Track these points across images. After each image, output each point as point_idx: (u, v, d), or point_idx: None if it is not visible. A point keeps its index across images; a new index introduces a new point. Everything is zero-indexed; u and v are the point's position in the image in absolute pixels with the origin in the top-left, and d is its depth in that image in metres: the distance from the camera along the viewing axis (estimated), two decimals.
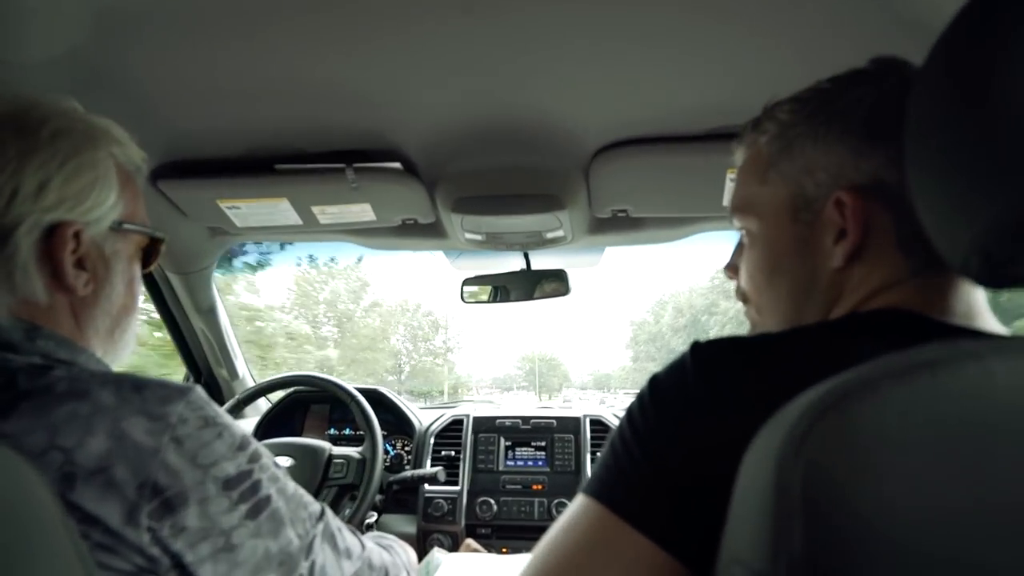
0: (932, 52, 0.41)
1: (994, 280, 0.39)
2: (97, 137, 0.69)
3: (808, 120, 0.60)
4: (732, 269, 0.73)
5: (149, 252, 0.78)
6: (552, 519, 1.66)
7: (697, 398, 0.49)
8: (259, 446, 0.68)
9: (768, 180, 0.64)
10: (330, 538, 0.73)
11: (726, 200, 1.27)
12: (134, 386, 0.61)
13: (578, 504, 0.54)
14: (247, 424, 1.89)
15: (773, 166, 0.63)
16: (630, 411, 0.53)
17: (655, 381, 0.53)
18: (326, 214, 1.38)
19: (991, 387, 0.33)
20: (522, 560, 1.16)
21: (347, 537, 0.77)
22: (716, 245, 1.67)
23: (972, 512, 0.31)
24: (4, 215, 0.62)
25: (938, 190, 0.40)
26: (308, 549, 0.68)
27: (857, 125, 0.57)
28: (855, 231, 0.57)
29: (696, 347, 0.52)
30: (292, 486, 0.70)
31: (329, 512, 0.75)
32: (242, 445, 0.65)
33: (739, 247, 0.71)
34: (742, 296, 0.70)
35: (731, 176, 1.20)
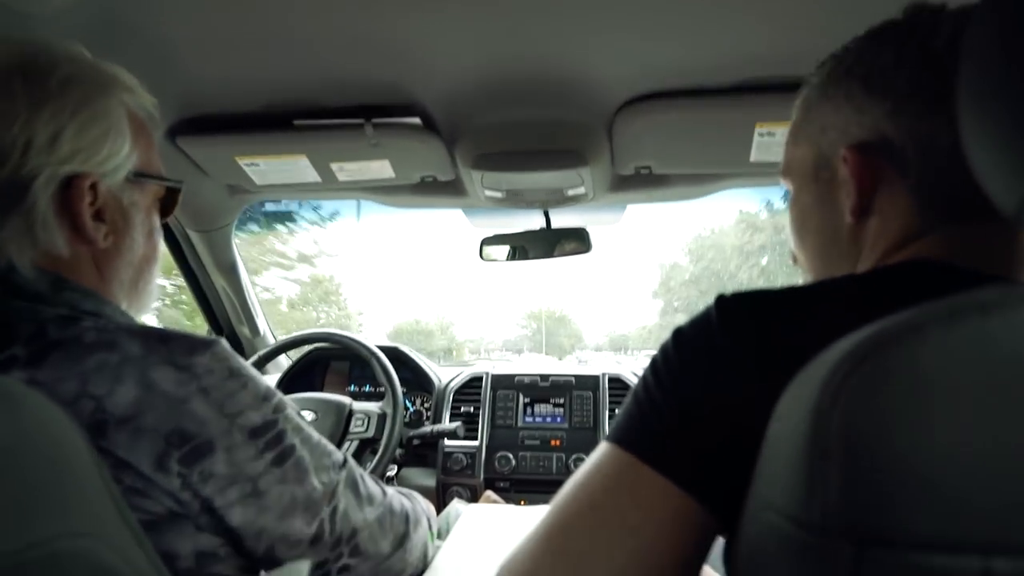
0: None
1: None
2: (107, 85, 0.68)
3: (824, 81, 0.61)
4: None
5: (167, 202, 0.78)
6: (570, 473, 1.69)
7: (723, 350, 0.49)
8: (283, 397, 0.69)
9: (798, 142, 0.66)
10: (352, 485, 0.74)
11: (753, 156, 1.24)
12: (160, 338, 0.61)
13: (601, 451, 0.54)
14: (269, 380, 1.92)
15: (801, 128, 0.65)
16: (654, 362, 0.53)
17: (679, 333, 0.53)
18: (345, 171, 1.37)
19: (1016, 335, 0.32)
20: (539, 510, 1.18)
21: (369, 484, 0.78)
22: (743, 201, 1.65)
23: (1017, 456, 0.31)
24: (20, 167, 0.62)
25: (992, 127, 0.39)
26: (332, 495, 0.70)
27: (858, 81, 0.57)
28: (855, 186, 0.58)
29: (721, 299, 0.52)
30: (315, 436, 0.72)
31: (351, 460, 0.77)
32: (267, 396, 0.66)
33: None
34: (793, 256, 0.71)
35: (760, 130, 1.17)
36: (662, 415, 0.50)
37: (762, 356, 0.47)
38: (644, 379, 0.53)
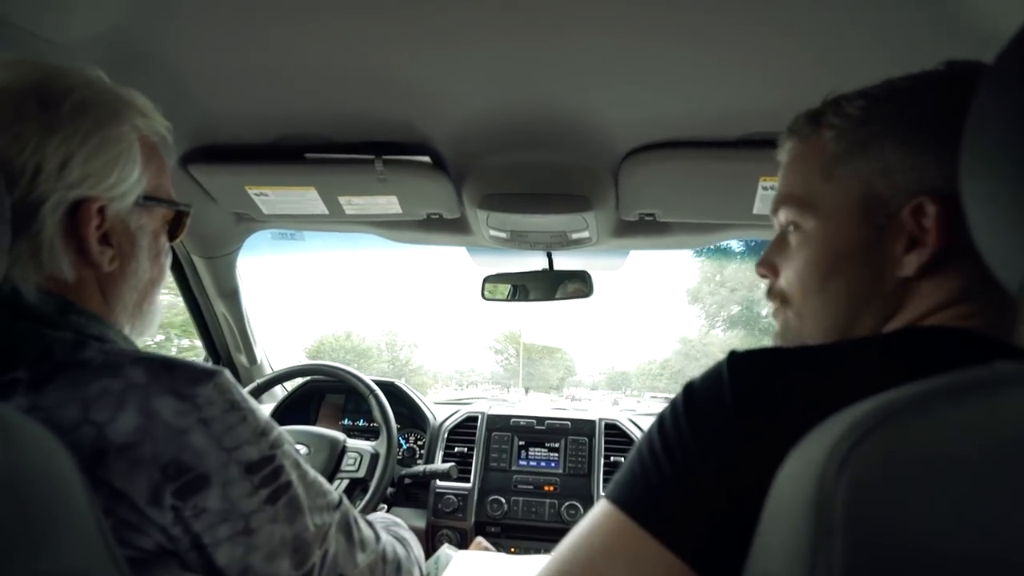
0: (1002, 55, 0.39)
1: None
2: (121, 110, 0.68)
3: (891, 119, 0.57)
4: (769, 267, 0.68)
5: (175, 225, 0.78)
6: (562, 521, 1.67)
7: (731, 412, 0.48)
8: (282, 432, 0.68)
9: (835, 177, 0.60)
10: (345, 528, 0.73)
11: (757, 208, 1.25)
12: (164, 365, 0.61)
13: (601, 510, 0.52)
14: (264, 409, 1.90)
15: (843, 163, 0.59)
16: (662, 419, 0.52)
17: (690, 390, 0.51)
18: (352, 205, 1.38)
19: None
20: (531, 560, 1.16)
21: (363, 529, 0.76)
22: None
23: None
24: (29, 192, 0.62)
25: (997, 200, 0.39)
26: (323, 538, 0.68)
27: (945, 131, 0.52)
28: (935, 240, 0.53)
29: (733, 356, 0.50)
30: (312, 473, 0.70)
31: (347, 502, 0.75)
32: (265, 430, 0.65)
33: (777, 243, 0.67)
34: (780, 297, 0.66)
35: (764, 184, 1.18)
36: (667, 480, 0.49)
37: (775, 419, 0.46)
38: (650, 437, 0.52)
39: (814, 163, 0.62)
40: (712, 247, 1.68)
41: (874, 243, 0.57)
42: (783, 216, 0.65)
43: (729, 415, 0.48)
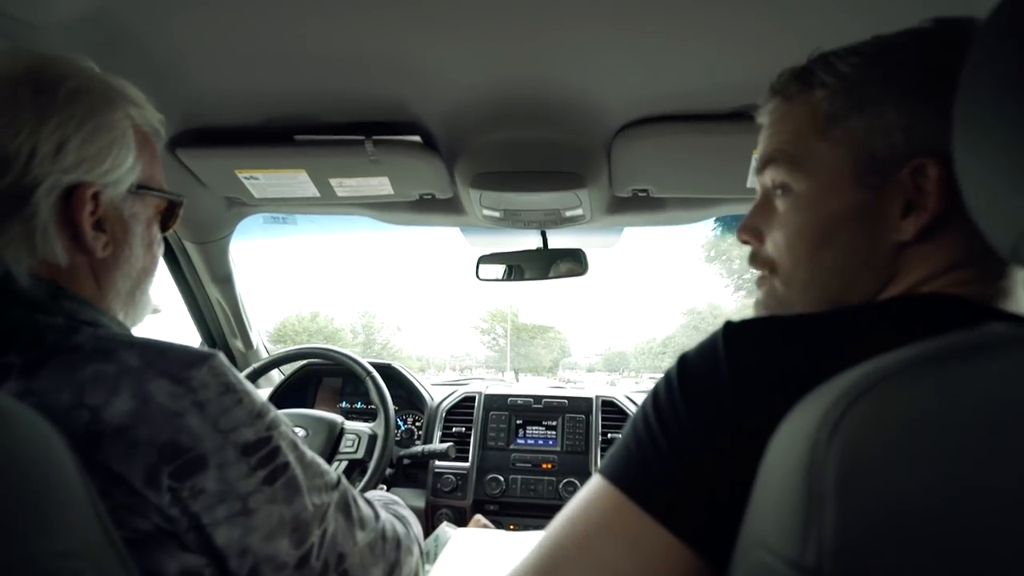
0: (997, 9, 0.39)
1: None
2: (114, 98, 0.69)
3: (888, 77, 0.55)
4: (752, 233, 0.65)
5: (168, 215, 0.78)
6: (560, 498, 1.69)
7: (727, 384, 0.47)
8: (278, 414, 0.68)
9: (829, 136, 0.58)
10: (344, 507, 0.73)
11: (750, 182, 1.25)
12: (158, 350, 0.61)
13: (595, 486, 0.52)
14: (261, 394, 1.90)
15: (838, 122, 0.57)
16: (656, 393, 0.51)
17: (684, 362, 0.50)
18: (344, 187, 1.37)
19: None
20: (529, 536, 1.17)
21: (362, 507, 0.77)
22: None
23: (1013, 497, 0.30)
24: (23, 175, 0.62)
25: (991, 165, 0.39)
26: (322, 517, 0.69)
27: (943, 90, 0.48)
28: (936, 202, 0.52)
29: (728, 326, 0.50)
30: (310, 454, 0.70)
31: (345, 481, 0.75)
32: (261, 412, 0.65)
33: (761, 206, 0.65)
34: (767, 264, 0.64)
35: (756, 157, 1.18)
36: (659, 453, 0.48)
37: (767, 388, 0.45)
38: (644, 411, 0.51)
39: (805, 122, 0.59)
40: None
41: (870, 206, 0.56)
42: (770, 177, 0.62)
43: (725, 386, 0.47)
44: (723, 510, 0.44)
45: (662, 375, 0.52)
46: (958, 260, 0.53)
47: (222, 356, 0.64)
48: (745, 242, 0.67)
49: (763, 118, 0.65)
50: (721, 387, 0.47)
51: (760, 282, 0.66)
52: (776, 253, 0.62)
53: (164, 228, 0.78)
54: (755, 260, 0.66)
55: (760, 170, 0.64)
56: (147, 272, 0.75)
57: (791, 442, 0.36)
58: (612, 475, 0.50)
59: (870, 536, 0.32)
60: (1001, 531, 0.30)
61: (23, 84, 0.63)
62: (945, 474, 0.31)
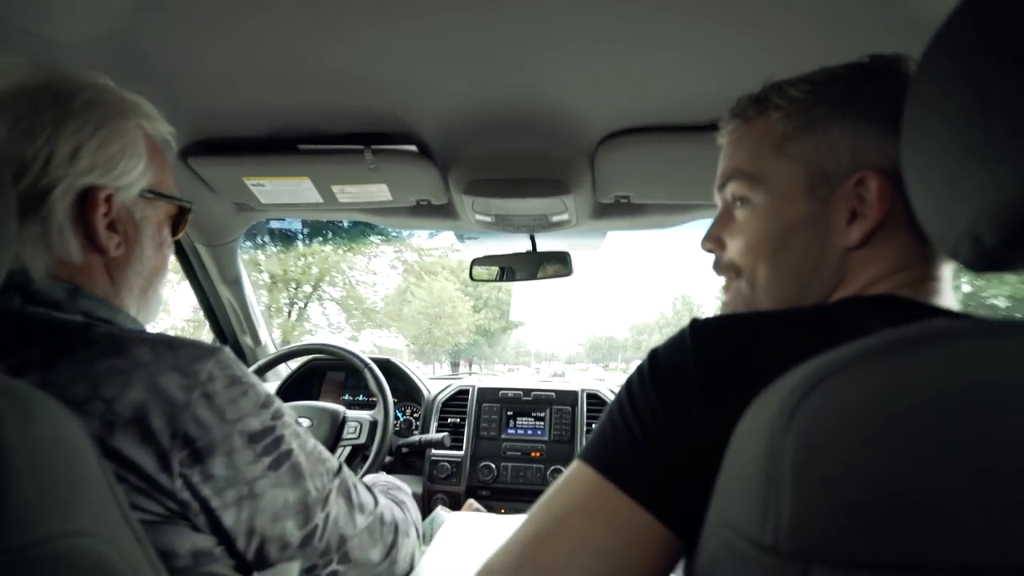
0: (936, 39, 0.40)
1: (982, 264, 0.39)
2: (126, 109, 0.69)
3: (835, 102, 0.58)
4: (715, 242, 0.68)
5: (177, 220, 0.78)
6: (547, 484, 1.68)
7: (695, 376, 0.48)
8: (282, 404, 0.68)
9: (784, 153, 0.61)
10: (345, 492, 0.73)
11: None
12: (168, 345, 0.61)
13: (574, 469, 0.53)
14: (269, 387, 1.89)
15: (792, 140, 0.60)
16: (629, 384, 0.52)
17: (655, 357, 0.52)
18: (345, 193, 1.37)
19: (984, 364, 0.32)
20: (519, 520, 1.17)
21: (362, 493, 0.77)
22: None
23: (954, 477, 0.31)
24: (40, 179, 0.62)
25: (935, 175, 0.40)
26: (324, 501, 0.69)
27: (884, 114, 0.55)
28: (877, 211, 0.55)
29: (695, 324, 0.51)
30: (312, 442, 0.71)
31: (346, 468, 0.76)
32: (266, 403, 0.66)
33: (723, 218, 0.67)
34: (731, 270, 0.66)
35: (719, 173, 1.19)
36: (635, 439, 0.49)
37: (733, 381, 0.46)
38: (619, 400, 0.52)
39: (763, 141, 0.63)
40: None
41: (820, 215, 0.58)
42: (730, 192, 0.65)
43: (692, 378, 0.48)
44: (693, 491, 0.45)
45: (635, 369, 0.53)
46: (900, 264, 0.55)
47: (228, 351, 0.65)
48: (709, 251, 0.69)
49: (723, 138, 0.69)
50: (689, 379, 0.48)
51: (727, 286, 0.68)
52: (739, 258, 0.64)
53: (175, 232, 0.78)
54: (719, 267, 0.68)
55: (721, 186, 0.67)
56: (158, 272, 0.75)
57: (752, 430, 0.37)
58: (592, 460, 0.51)
59: (823, 516, 0.32)
60: (944, 509, 0.31)
61: (42, 94, 0.64)
62: (892, 457, 0.32)
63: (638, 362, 0.55)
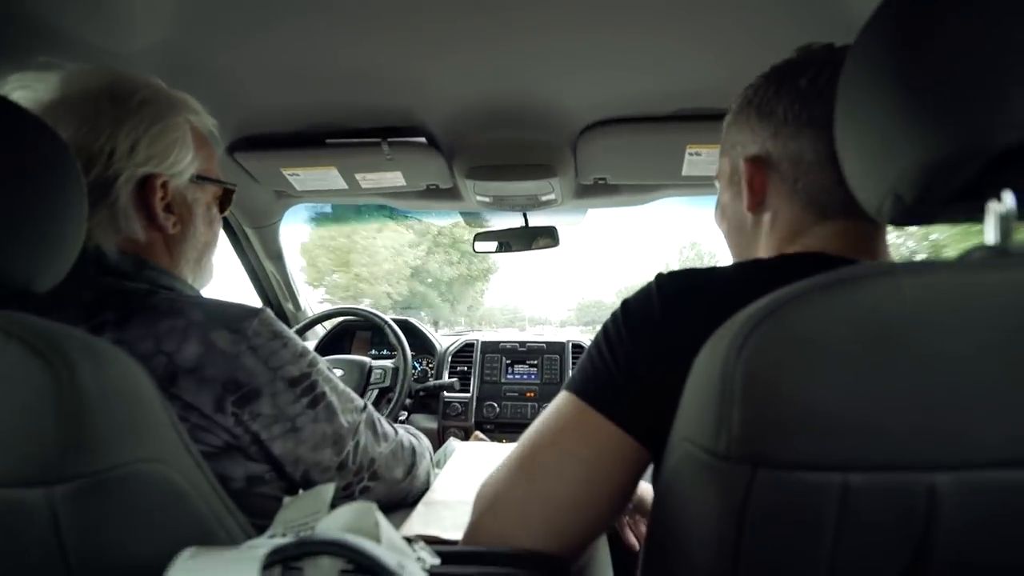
0: (863, 30, 0.39)
1: (901, 219, 0.38)
2: (176, 106, 0.68)
3: (736, 108, 0.62)
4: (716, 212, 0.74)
5: (224, 200, 0.77)
6: None
7: (660, 319, 0.49)
8: (316, 355, 0.68)
9: (722, 154, 0.66)
10: (371, 425, 0.74)
11: (685, 171, 1.24)
12: (218, 307, 0.61)
13: (560, 397, 0.54)
14: (308, 345, 1.90)
15: (724, 143, 0.65)
16: (605, 327, 0.53)
17: (626, 306, 0.52)
18: (367, 180, 1.35)
19: (900, 297, 0.32)
20: None
21: (384, 425, 0.78)
22: (677, 208, 1.64)
23: (879, 398, 0.31)
24: (106, 170, 0.61)
25: (861, 145, 0.39)
26: (354, 432, 0.70)
27: (754, 110, 0.58)
28: (747, 188, 0.59)
29: (660, 277, 0.52)
30: (342, 386, 0.71)
31: (370, 406, 0.76)
32: (303, 353, 0.66)
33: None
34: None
35: (690, 151, 1.17)
36: (610, 370, 0.50)
37: (691, 322, 0.47)
38: (597, 341, 0.53)
39: (721, 146, 0.67)
40: None
41: (737, 195, 0.63)
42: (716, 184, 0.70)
43: (657, 319, 0.49)
44: (659, 412, 0.45)
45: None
46: (800, 225, 0.57)
47: (269, 311, 0.64)
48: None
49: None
50: (655, 322, 0.49)
51: None
52: (717, 225, 0.70)
53: (222, 209, 0.77)
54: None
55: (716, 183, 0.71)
56: (209, 245, 0.75)
57: (709, 359, 0.37)
58: (575, 389, 0.52)
59: (766, 428, 0.33)
60: (862, 418, 0.31)
61: (103, 96, 0.62)
62: (821, 378, 0.32)
63: None
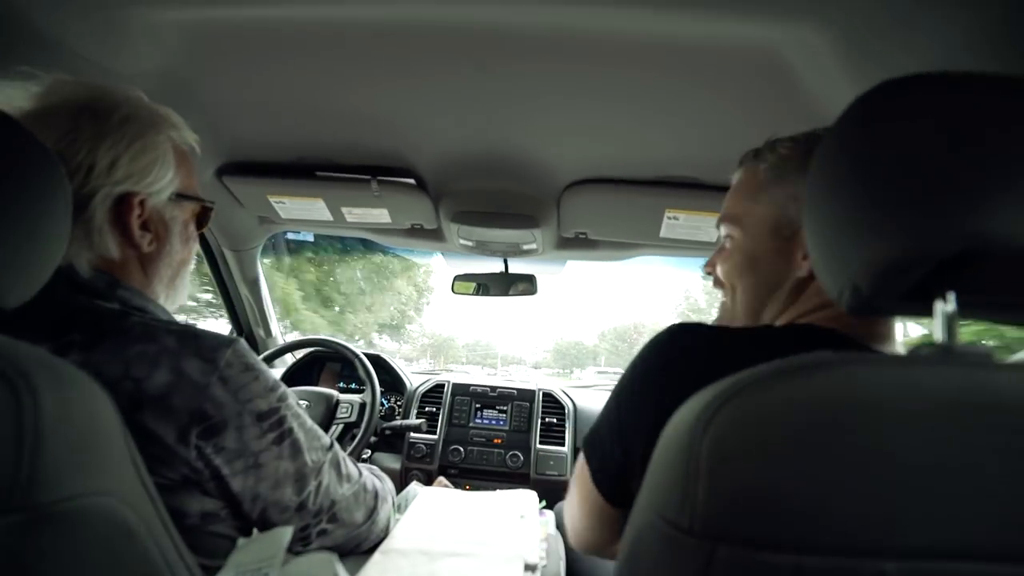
0: (828, 133, 0.42)
1: (858, 309, 0.41)
2: (158, 122, 0.67)
3: (801, 157, 0.60)
4: (711, 266, 0.71)
5: (202, 217, 0.76)
6: (506, 466, 1.69)
7: (659, 376, 0.53)
8: (286, 389, 0.67)
9: (759, 200, 0.62)
10: (335, 465, 0.73)
11: (663, 233, 1.28)
12: (192, 335, 0.60)
13: (582, 449, 0.64)
14: (276, 373, 1.85)
15: (766, 189, 0.62)
16: (624, 374, 0.58)
17: (644, 349, 0.57)
18: (352, 214, 1.37)
19: (852, 388, 0.34)
20: (481, 496, 1.17)
21: (349, 466, 0.76)
22: (653, 267, 1.68)
23: (830, 483, 0.32)
24: (83, 186, 0.61)
25: (825, 237, 0.42)
26: (317, 471, 0.68)
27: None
28: None
29: (672, 328, 0.55)
30: (310, 423, 0.70)
31: (336, 445, 0.75)
32: (273, 387, 0.65)
33: (719, 250, 0.69)
34: (720, 285, 0.69)
35: (668, 215, 1.21)
36: (613, 449, 0.57)
37: (680, 381, 0.48)
38: (616, 389, 0.59)
39: (747, 190, 0.64)
40: None
41: (782, 251, 0.60)
42: (723, 230, 0.67)
43: (658, 378, 0.52)
44: (637, 481, 0.46)
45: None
46: (827, 299, 0.56)
47: (243, 342, 0.63)
48: (709, 273, 0.72)
49: (733, 179, 0.69)
50: (655, 377, 0.52)
51: (723, 297, 0.71)
52: (724, 278, 0.67)
53: (199, 227, 0.76)
54: (715, 282, 0.70)
55: (718, 225, 0.69)
56: (185, 263, 0.73)
57: (677, 431, 0.38)
58: (586, 452, 0.63)
59: (729, 506, 0.33)
60: (819, 502, 0.32)
61: (83, 111, 0.62)
62: (783, 462, 0.33)
63: (616, 370, 0.60)
